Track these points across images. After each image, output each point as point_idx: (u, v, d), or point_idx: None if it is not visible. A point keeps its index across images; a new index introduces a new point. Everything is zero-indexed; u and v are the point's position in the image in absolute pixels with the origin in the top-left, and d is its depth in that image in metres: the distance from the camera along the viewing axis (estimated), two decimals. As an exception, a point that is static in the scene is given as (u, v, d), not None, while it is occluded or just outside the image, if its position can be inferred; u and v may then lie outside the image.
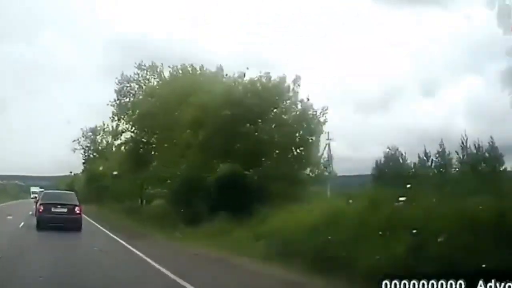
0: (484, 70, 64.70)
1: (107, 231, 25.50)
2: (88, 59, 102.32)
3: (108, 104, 39.94)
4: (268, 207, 19.01)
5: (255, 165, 24.04)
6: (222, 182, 22.59)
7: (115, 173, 51.33)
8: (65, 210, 22.55)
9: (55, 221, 21.83)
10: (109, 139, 59.09)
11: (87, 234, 22.41)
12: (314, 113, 25.04)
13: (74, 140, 60.84)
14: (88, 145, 61.23)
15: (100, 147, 60.66)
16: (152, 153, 35.04)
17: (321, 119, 25.17)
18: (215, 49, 62.92)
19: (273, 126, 24.70)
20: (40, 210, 22.66)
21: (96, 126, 60.66)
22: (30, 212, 32.51)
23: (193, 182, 24.62)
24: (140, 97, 37.77)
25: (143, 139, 35.81)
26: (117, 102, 39.79)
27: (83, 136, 61.10)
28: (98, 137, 60.93)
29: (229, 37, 73.93)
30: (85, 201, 39.01)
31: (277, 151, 24.89)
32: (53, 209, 22.39)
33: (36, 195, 71.67)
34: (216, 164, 24.72)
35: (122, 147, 40.26)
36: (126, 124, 38.82)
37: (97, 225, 30.05)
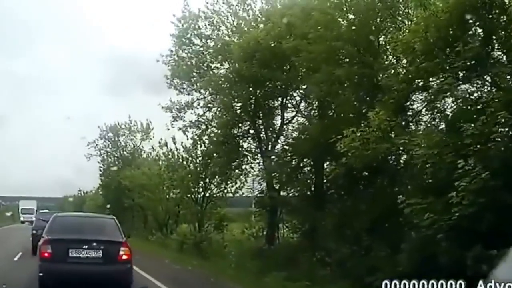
0: None
1: None
2: (88, 74, 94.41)
3: (159, 61, 23.19)
4: None
5: None
6: None
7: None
8: (97, 254, 10.62)
9: (78, 279, 10.26)
10: (137, 140, 42.74)
11: None
12: None
13: (89, 144, 43.69)
14: (109, 149, 44.04)
15: (125, 152, 43.59)
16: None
17: None
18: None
19: None
20: (47, 254, 10.48)
21: (118, 124, 43.80)
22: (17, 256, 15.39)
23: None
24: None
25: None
26: (175, 56, 23.02)
27: (101, 138, 43.98)
28: (121, 138, 43.88)
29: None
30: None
31: None
32: (73, 252, 10.51)
33: (31, 216, 52.85)
34: None
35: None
36: (199, 90, 21.89)
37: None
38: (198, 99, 22.66)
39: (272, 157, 20.12)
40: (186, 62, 22.57)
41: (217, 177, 27.39)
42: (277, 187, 20.40)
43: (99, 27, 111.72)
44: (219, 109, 19.94)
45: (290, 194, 19.65)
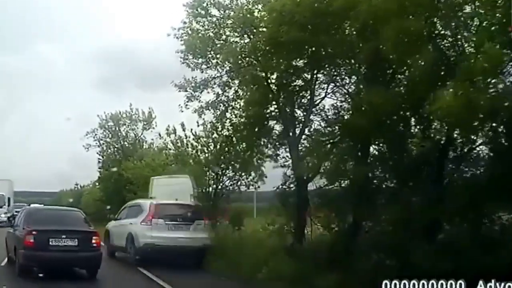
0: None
1: None
2: (84, 70, 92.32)
3: (170, 35, 20.45)
4: None
5: None
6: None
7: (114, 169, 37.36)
8: (74, 242, 12.42)
9: (57, 264, 12.20)
10: (139, 130, 40.17)
11: None
12: None
13: (87, 133, 41.10)
14: (109, 139, 41.40)
15: (125, 143, 40.95)
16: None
17: None
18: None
19: None
20: (29, 243, 12.12)
21: (118, 113, 41.17)
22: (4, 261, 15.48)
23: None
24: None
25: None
26: (188, 29, 20.30)
27: (100, 127, 41.32)
28: (122, 128, 41.24)
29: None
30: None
31: None
32: (53, 242, 12.24)
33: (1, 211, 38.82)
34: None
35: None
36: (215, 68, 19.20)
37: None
38: (214, 78, 20.00)
39: (303, 141, 17.62)
40: (201, 36, 19.82)
41: (230, 168, 24.89)
42: (305, 177, 17.90)
43: (94, 23, 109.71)
44: (248, 81, 17.07)
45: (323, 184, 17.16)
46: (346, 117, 14.90)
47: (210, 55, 19.79)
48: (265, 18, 15.40)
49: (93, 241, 12.76)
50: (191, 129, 25.19)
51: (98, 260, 12.74)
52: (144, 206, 17.60)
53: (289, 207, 18.55)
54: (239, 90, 18.47)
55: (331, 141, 15.55)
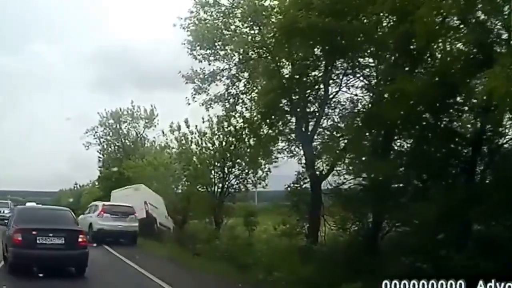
0: None
1: None
2: (83, 70, 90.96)
3: (176, 25, 19.51)
4: None
5: None
6: None
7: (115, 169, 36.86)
8: (60, 241, 12.74)
9: (44, 262, 12.32)
10: (140, 128, 39.09)
11: None
12: None
13: (87, 131, 40.04)
14: (109, 137, 40.31)
15: (126, 141, 39.88)
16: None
17: None
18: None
19: None
20: (17, 241, 12.54)
21: (119, 110, 40.14)
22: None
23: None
24: None
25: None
26: (195, 19, 19.34)
27: (101, 125, 40.27)
28: (123, 126, 40.18)
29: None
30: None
31: None
32: (40, 240, 12.58)
33: None
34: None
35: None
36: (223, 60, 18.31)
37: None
38: (222, 70, 19.09)
39: (317, 136, 16.66)
40: (209, 26, 18.87)
41: (236, 166, 24.00)
42: (319, 175, 16.94)
43: (94, 23, 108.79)
44: (259, 74, 16.10)
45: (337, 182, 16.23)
46: (365, 110, 13.89)
47: (218, 46, 18.92)
48: (277, 7, 14.40)
49: (80, 239, 13.05)
50: (196, 126, 24.41)
51: (84, 258, 12.99)
52: (99, 205, 25.59)
53: (302, 206, 17.60)
54: (250, 81, 17.50)
55: (348, 135, 14.61)
